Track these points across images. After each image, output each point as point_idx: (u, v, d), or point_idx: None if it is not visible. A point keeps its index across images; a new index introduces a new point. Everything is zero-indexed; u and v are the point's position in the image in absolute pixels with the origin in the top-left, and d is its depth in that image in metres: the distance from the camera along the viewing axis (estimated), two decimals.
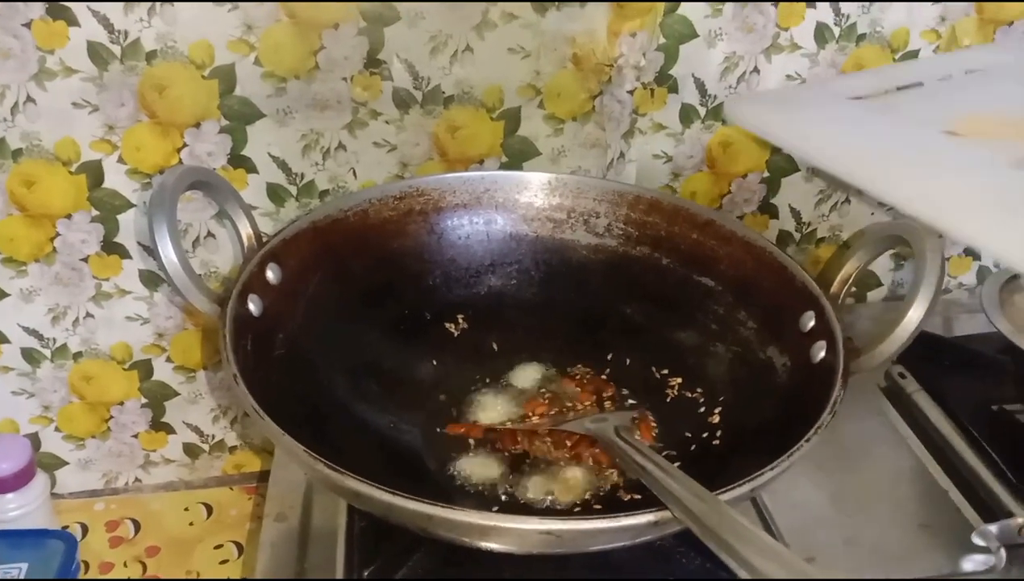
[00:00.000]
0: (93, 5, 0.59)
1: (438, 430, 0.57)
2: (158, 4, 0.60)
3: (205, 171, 0.60)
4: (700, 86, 0.70)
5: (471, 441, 0.57)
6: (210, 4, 0.60)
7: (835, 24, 0.70)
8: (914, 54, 0.72)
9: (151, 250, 0.58)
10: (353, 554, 0.52)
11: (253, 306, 0.53)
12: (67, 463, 0.77)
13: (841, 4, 0.69)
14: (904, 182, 0.46)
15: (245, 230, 0.60)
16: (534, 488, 0.53)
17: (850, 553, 0.54)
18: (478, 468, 0.54)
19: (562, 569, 0.52)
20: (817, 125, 0.51)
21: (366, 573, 0.49)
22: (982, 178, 0.46)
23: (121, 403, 0.75)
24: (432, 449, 0.56)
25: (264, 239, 0.59)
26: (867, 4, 0.69)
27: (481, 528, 0.40)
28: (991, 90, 0.56)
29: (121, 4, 0.60)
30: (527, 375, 0.63)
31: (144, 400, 0.75)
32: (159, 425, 0.76)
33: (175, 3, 0.60)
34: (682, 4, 0.67)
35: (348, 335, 0.58)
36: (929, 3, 0.70)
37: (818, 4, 0.68)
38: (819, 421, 0.45)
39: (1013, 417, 0.65)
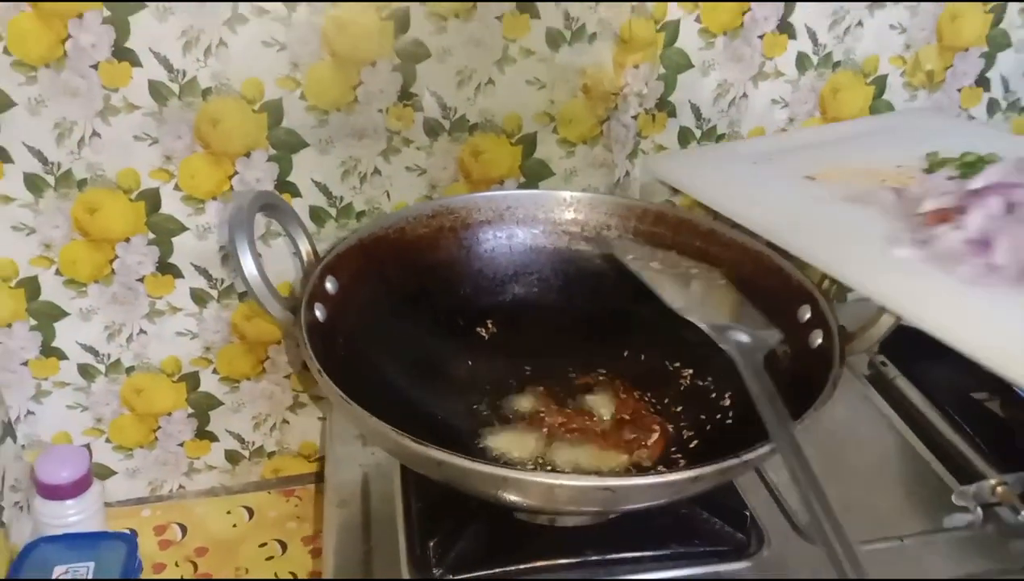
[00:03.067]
0: (154, 46, 0.66)
1: (481, 415, 0.64)
2: (214, 45, 0.67)
3: (273, 195, 0.66)
4: (696, 111, 0.78)
5: (512, 416, 0.64)
6: (260, 45, 0.67)
7: (813, 53, 0.78)
8: (883, 79, 0.81)
9: (232, 264, 0.64)
10: (413, 531, 0.58)
11: (319, 313, 0.59)
12: (115, 472, 0.82)
13: (818, 35, 0.77)
14: (763, 213, 0.65)
15: (304, 247, 0.66)
16: (571, 465, 0.60)
17: (847, 517, 0.61)
18: (516, 448, 0.61)
19: (598, 544, 0.58)
20: (709, 175, 0.70)
21: (431, 543, 0.55)
22: (815, 209, 0.64)
23: (169, 414, 0.80)
24: (474, 434, 0.62)
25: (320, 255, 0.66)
26: (841, 35, 0.78)
27: (548, 487, 0.46)
28: (862, 148, 0.68)
29: (180, 45, 0.66)
30: (551, 372, 0.70)
31: (190, 410, 0.81)
32: (203, 434, 0.82)
33: (229, 44, 0.67)
34: (678, 39, 0.75)
35: (395, 338, 0.64)
36: (896, 32, 0.79)
37: (798, 35, 0.77)
38: (823, 393, 0.52)
39: (982, 405, 0.73)
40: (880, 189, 0.65)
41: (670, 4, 0.73)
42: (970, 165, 0.67)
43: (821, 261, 0.60)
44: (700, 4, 0.73)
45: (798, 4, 0.75)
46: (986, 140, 0.71)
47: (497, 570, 0.55)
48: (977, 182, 0.60)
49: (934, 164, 0.69)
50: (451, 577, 0.55)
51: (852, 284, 0.59)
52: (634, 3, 0.72)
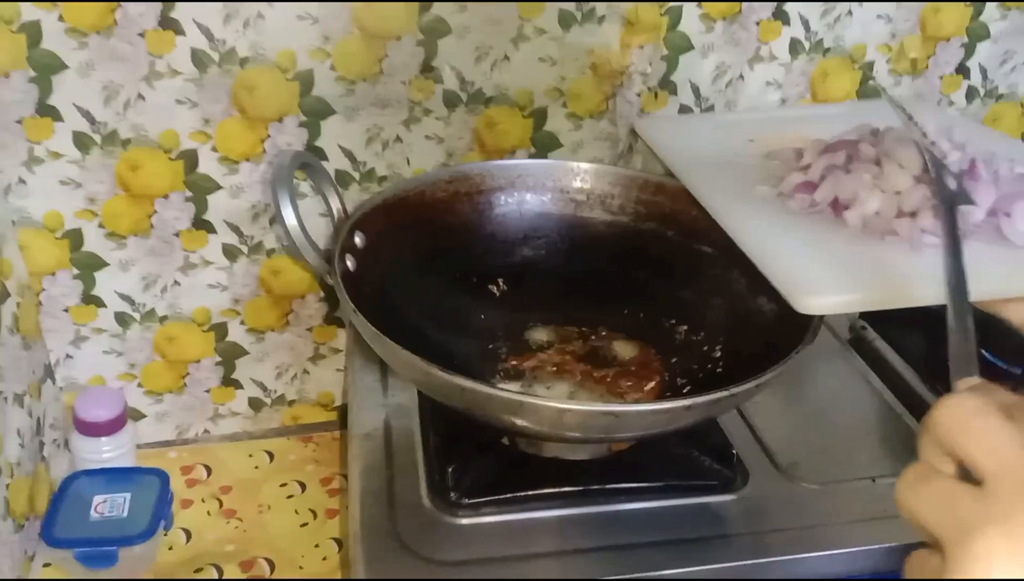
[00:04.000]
0: (197, 17, 0.71)
1: (496, 365, 0.71)
2: (252, 18, 0.72)
3: (309, 156, 0.72)
4: (695, 90, 0.84)
5: (521, 365, 0.71)
6: (295, 19, 0.73)
7: (805, 39, 0.84)
8: (870, 65, 0.87)
9: (275, 216, 0.70)
10: (431, 461, 0.64)
11: (349, 263, 0.65)
12: (145, 415, 0.88)
13: (810, 22, 0.83)
14: (687, 161, 0.74)
15: (335, 205, 0.72)
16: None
17: (824, 459, 0.68)
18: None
19: (599, 476, 0.64)
20: (673, 135, 0.78)
21: (449, 470, 0.61)
22: (737, 161, 0.74)
23: (198, 361, 0.86)
24: (491, 378, 0.69)
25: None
26: (832, 23, 0.83)
27: (558, 412, 0.52)
28: (809, 123, 0.75)
29: (222, 17, 0.72)
30: (555, 327, 0.77)
31: (218, 359, 0.86)
32: (229, 381, 0.88)
33: (266, 17, 0.72)
34: (681, 23, 0.80)
35: (415, 290, 0.70)
36: (882, 22, 0.85)
37: (792, 22, 0.83)
38: (804, 339, 0.58)
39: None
40: (791, 148, 0.72)
41: None
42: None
43: (704, 197, 0.69)
44: None
45: None
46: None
47: (507, 495, 0.61)
48: (833, 138, 0.69)
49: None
50: (466, 500, 0.61)
51: (714, 213, 0.67)
52: None
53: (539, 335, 0.76)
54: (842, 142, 0.68)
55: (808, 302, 0.56)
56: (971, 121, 0.91)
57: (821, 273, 0.59)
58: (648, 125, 0.82)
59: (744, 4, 0.81)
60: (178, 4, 0.70)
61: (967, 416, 0.30)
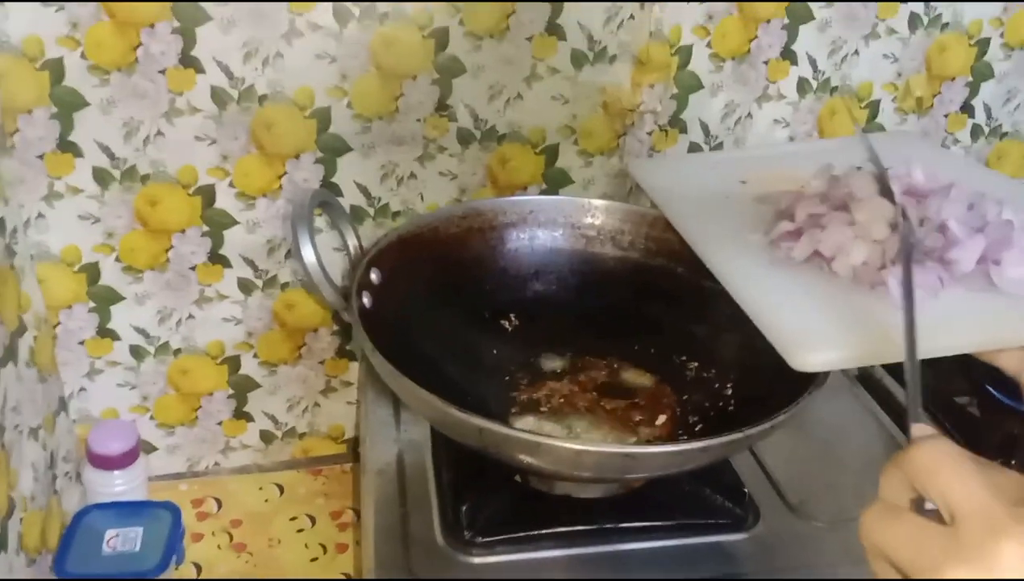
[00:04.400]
0: (218, 56, 0.73)
1: (510, 400, 0.72)
2: (271, 56, 0.73)
3: (328, 193, 0.73)
4: (704, 128, 0.85)
5: (533, 399, 0.72)
6: (313, 57, 0.74)
7: (813, 78, 0.85)
8: (876, 103, 0.88)
9: (293, 253, 0.70)
10: (445, 498, 0.65)
11: (366, 300, 0.66)
12: (157, 448, 0.88)
13: (818, 62, 0.84)
14: (679, 205, 0.73)
15: (352, 242, 0.73)
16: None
17: (834, 495, 0.68)
18: (541, 427, 0.68)
19: (611, 515, 0.64)
20: (665, 177, 0.78)
21: (463, 508, 0.62)
22: (729, 204, 0.73)
23: (210, 394, 0.87)
24: (500, 414, 0.69)
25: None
26: (839, 63, 0.85)
27: (575, 453, 0.53)
28: (803, 160, 0.75)
29: (241, 56, 0.73)
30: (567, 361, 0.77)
31: (230, 391, 0.87)
32: (241, 414, 0.88)
33: (285, 56, 0.73)
34: (691, 62, 0.82)
35: (429, 326, 0.71)
36: (888, 61, 0.86)
37: (799, 61, 0.84)
38: (816, 380, 0.59)
39: (961, 407, 0.80)
40: (785, 191, 0.71)
41: (684, 29, 0.80)
42: None
43: (696, 243, 0.68)
44: (711, 32, 0.80)
45: (800, 34, 0.82)
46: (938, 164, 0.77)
47: (520, 534, 0.62)
48: (820, 185, 0.68)
49: None
50: (480, 538, 0.61)
51: (707, 261, 0.66)
52: (651, 28, 0.79)
53: (552, 368, 0.77)
54: (818, 190, 0.67)
55: (804, 359, 0.55)
56: (972, 161, 0.92)
57: (816, 327, 0.57)
58: (642, 168, 0.82)
59: (753, 44, 0.82)
60: (199, 43, 0.71)
61: (944, 458, 0.32)
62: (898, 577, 0.32)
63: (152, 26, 0.71)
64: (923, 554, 0.31)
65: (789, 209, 0.67)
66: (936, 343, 0.55)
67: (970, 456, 0.33)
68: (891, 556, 0.32)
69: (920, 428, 0.37)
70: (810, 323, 0.58)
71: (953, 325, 0.56)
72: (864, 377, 0.84)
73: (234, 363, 0.86)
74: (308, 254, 0.63)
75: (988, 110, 0.91)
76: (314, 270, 0.63)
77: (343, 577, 0.78)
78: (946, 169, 0.71)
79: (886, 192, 0.58)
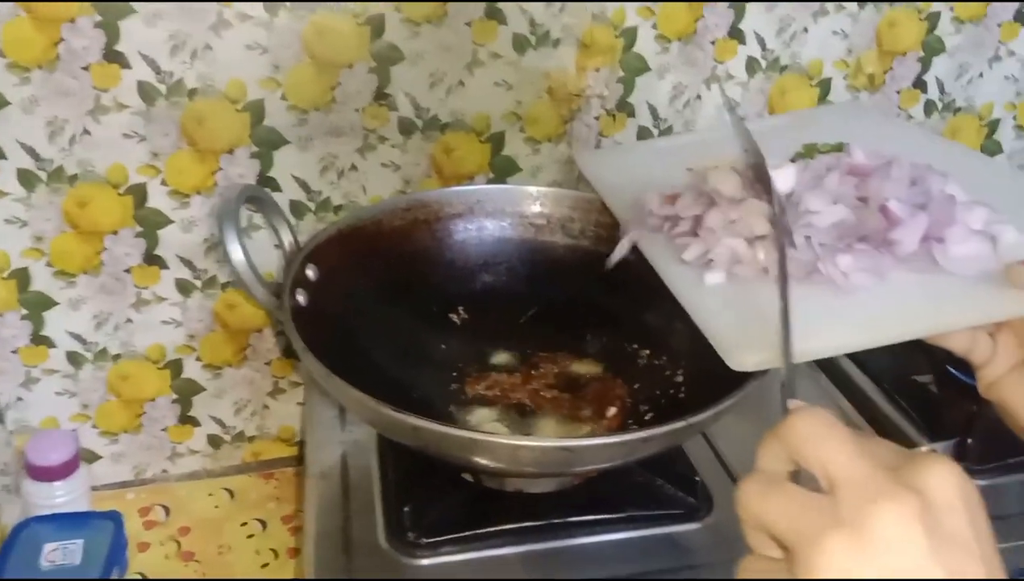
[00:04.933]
0: (143, 50, 0.70)
1: (453, 394, 0.69)
2: (200, 49, 0.71)
3: (258, 188, 0.71)
4: (653, 111, 0.84)
5: (482, 394, 0.69)
6: (243, 49, 0.71)
7: (762, 57, 0.84)
8: (827, 81, 0.87)
9: (220, 252, 0.67)
10: (389, 499, 0.63)
11: (300, 298, 0.63)
12: (101, 457, 0.86)
13: (766, 40, 0.83)
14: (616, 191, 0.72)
15: (286, 237, 0.70)
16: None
17: None
18: (487, 421, 0.66)
19: (561, 510, 0.63)
20: (609, 167, 0.76)
21: (405, 509, 0.60)
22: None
23: (153, 400, 0.84)
24: (447, 411, 0.67)
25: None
26: (788, 41, 0.83)
27: (513, 448, 0.51)
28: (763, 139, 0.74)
29: (168, 49, 0.70)
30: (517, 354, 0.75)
31: (174, 396, 0.84)
32: (186, 419, 0.86)
33: (214, 48, 0.71)
34: (636, 44, 0.80)
35: (373, 323, 0.68)
36: (838, 38, 0.85)
37: (747, 40, 0.82)
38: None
39: (921, 385, 0.79)
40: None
41: (627, 10, 0.78)
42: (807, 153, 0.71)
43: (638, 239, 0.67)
44: (656, 11, 0.78)
45: (747, 12, 0.81)
46: (888, 135, 0.75)
47: (467, 533, 0.60)
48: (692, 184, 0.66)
49: (798, 155, 0.71)
50: (424, 539, 0.59)
51: (648, 258, 0.64)
52: (594, 11, 0.77)
53: (501, 362, 0.75)
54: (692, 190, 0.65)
55: (742, 359, 0.52)
56: (923, 130, 0.90)
57: (752, 325, 0.54)
58: (588, 159, 0.80)
59: (699, 23, 0.80)
60: (123, 36, 0.69)
61: (820, 427, 0.32)
62: (776, 549, 0.32)
63: (73, 21, 0.68)
64: (801, 523, 0.30)
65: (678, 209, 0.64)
66: (881, 332, 0.53)
67: (845, 425, 0.33)
68: (769, 527, 0.31)
69: (795, 403, 0.37)
70: (747, 321, 0.55)
71: (899, 312, 0.54)
72: (823, 361, 0.82)
73: (176, 367, 0.83)
74: (236, 251, 0.60)
75: (941, 85, 0.90)
76: (242, 268, 0.61)
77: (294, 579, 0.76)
78: (896, 140, 0.69)
79: (763, 179, 0.55)
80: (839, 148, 0.69)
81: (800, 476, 0.33)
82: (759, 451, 0.34)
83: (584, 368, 0.73)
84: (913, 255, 0.56)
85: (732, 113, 0.63)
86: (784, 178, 0.64)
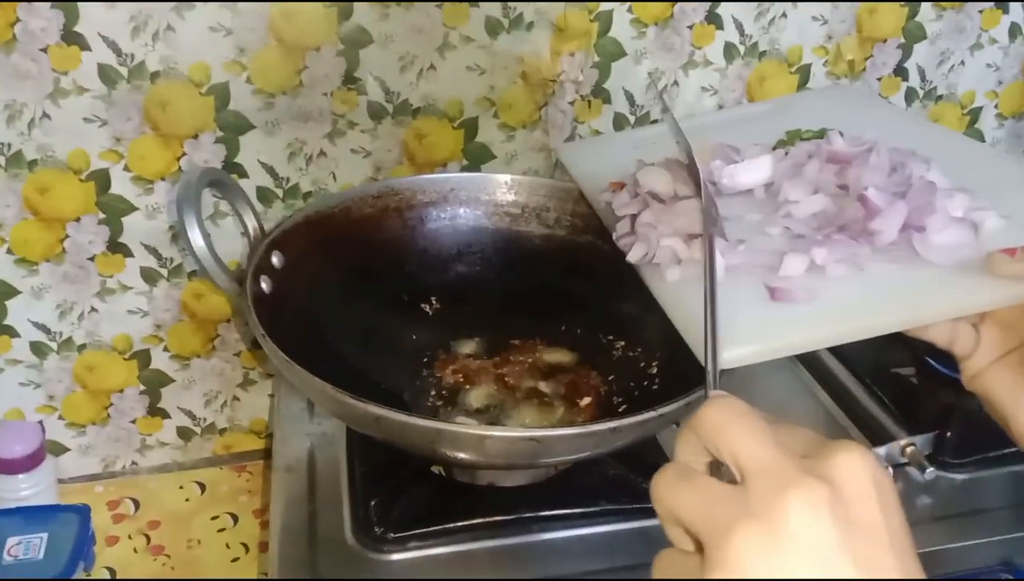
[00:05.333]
0: (103, 31, 0.68)
1: (429, 387, 0.68)
2: (161, 30, 0.69)
3: (220, 172, 0.69)
4: (629, 97, 0.82)
5: (456, 382, 0.68)
6: (207, 30, 0.69)
7: (740, 43, 0.82)
8: (807, 68, 0.85)
9: (180, 237, 0.66)
10: (357, 494, 0.61)
11: (264, 285, 0.62)
12: (68, 449, 0.84)
13: (744, 26, 0.81)
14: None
15: (251, 223, 0.68)
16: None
17: None
18: (460, 414, 0.64)
19: (533, 503, 0.61)
20: (595, 163, 0.73)
21: (372, 503, 0.58)
22: None
23: (121, 391, 0.82)
24: (418, 401, 0.66)
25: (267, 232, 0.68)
26: (767, 26, 0.82)
27: (479, 439, 0.50)
28: (733, 128, 0.72)
29: (129, 30, 0.68)
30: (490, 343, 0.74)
31: (142, 387, 0.82)
32: (155, 411, 0.84)
33: (177, 29, 0.69)
34: (612, 28, 0.78)
35: (341, 312, 0.67)
36: (818, 24, 0.83)
37: (725, 25, 0.81)
38: None
39: (901, 377, 0.78)
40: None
41: None
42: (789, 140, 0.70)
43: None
44: None
45: None
46: (876, 121, 0.73)
47: (435, 527, 0.59)
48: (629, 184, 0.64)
49: (780, 141, 0.70)
50: (391, 534, 0.58)
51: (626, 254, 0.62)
52: None
53: (475, 352, 0.73)
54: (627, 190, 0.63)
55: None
56: (907, 113, 0.89)
57: (726, 322, 0.49)
58: (570, 152, 0.78)
59: (676, 8, 0.79)
60: (82, 17, 0.66)
61: (732, 416, 0.31)
62: (691, 542, 0.31)
63: (29, 1, 0.66)
64: (713, 514, 0.29)
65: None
66: (860, 324, 0.52)
67: (760, 414, 0.32)
68: (683, 519, 0.30)
69: (716, 393, 0.36)
70: (721, 318, 0.54)
71: (878, 304, 0.53)
72: (801, 354, 0.81)
73: (144, 357, 0.81)
74: (196, 238, 0.59)
75: (922, 72, 0.89)
76: (203, 254, 0.59)
77: (260, 578, 0.75)
78: (880, 124, 0.68)
79: (693, 174, 0.54)
80: (822, 134, 0.68)
81: (721, 468, 0.32)
82: (676, 442, 0.34)
83: (558, 358, 0.72)
84: (893, 245, 0.55)
85: (666, 112, 0.62)
86: (760, 169, 0.63)
